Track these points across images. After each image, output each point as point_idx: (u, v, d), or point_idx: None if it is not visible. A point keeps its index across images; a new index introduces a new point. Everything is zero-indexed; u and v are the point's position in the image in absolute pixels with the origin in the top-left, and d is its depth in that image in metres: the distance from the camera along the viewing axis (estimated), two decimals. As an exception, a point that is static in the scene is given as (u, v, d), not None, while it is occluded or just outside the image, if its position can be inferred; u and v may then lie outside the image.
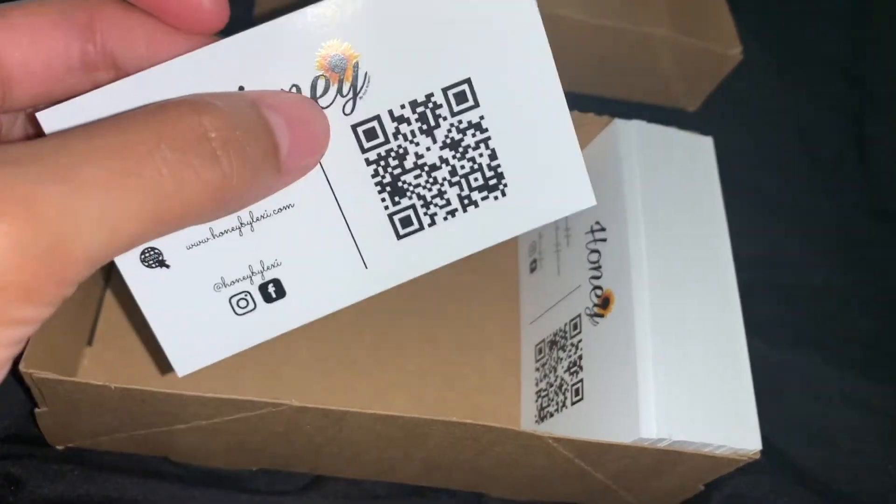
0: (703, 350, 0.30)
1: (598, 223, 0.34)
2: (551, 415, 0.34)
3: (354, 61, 0.20)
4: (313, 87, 0.20)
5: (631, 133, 0.34)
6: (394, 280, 0.22)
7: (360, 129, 0.21)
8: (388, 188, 0.21)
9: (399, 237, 0.22)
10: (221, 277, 0.21)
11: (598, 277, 0.33)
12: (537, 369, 0.36)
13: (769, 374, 0.41)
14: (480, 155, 0.21)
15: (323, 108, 0.21)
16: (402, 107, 0.21)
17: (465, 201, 0.22)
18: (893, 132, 0.52)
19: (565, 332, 0.35)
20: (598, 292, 0.33)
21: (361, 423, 0.28)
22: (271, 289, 0.21)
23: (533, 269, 0.39)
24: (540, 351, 0.37)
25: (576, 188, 0.22)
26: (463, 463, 0.31)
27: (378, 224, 0.21)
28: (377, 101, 0.20)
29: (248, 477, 0.33)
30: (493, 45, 0.21)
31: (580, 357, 0.33)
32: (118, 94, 0.19)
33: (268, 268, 0.21)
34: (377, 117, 0.21)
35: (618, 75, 0.49)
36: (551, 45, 0.50)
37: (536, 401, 0.36)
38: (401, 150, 0.21)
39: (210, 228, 0.21)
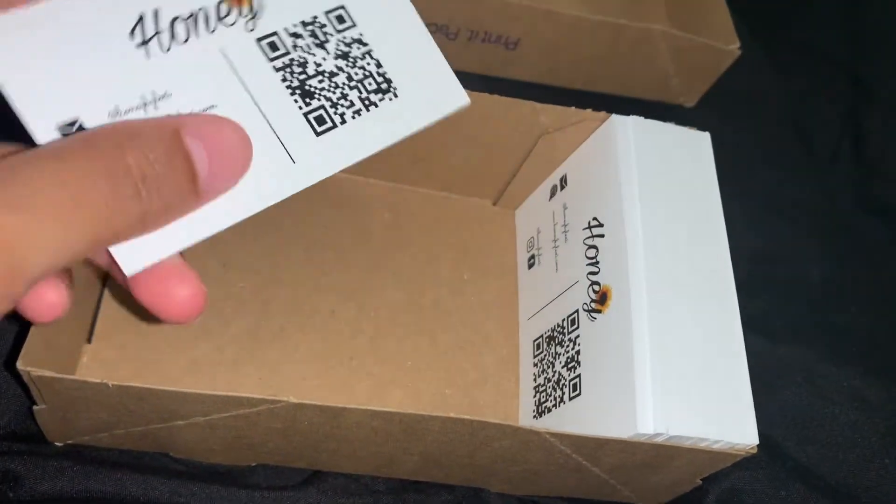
0: (701, 345, 0.30)
1: (595, 219, 0.34)
2: (549, 410, 0.34)
3: None
4: (217, 9, 0.23)
5: (628, 128, 0.34)
6: (321, 173, 0.24)
7: (263, 43, 0.24)
8: (298, 91, 0.24)
9: (317, 134, 0.24)
10: None
11: (595, 273, 0.33)
12: (535, 364, 0.37)
13: (767, 369, 0.41)
14: (368, 64, 0.25)
15: (228, 25, 0.23)
16: (295, 25, 0.24)
17: (366, 102, 0.25)
18: (890, 127, 0.52)
19: (563, 328, 0.35)
20: (596, 288, 0.33)
21: (359, 419, 0.28)
22: None
23: (531, 265, 0.39)
24: (538, 346, 0.37)
25: (449, 90, 0.26)
26: (461, 458, 0.31)
27: (297, 122, 0.24)
28: (273, 21, 0.24)
29: (248, 472, 0.33)
30: None
31: (578, 352, 0.33)
32: (42, 14, 0.21)
33: None
34: (275, 33, 0.24)
35: (616, 71, 0.49)
36: (551, 41, 0.50)
37: (534, 396, 0.36)
38: (301, 60, 0.24)
39: None
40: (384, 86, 0.25)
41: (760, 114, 0.52)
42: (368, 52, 0.25)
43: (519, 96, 0.36)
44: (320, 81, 0.24)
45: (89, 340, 0.34)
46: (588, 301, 0.33)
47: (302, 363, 0.36)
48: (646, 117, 0.35)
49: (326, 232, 0.39)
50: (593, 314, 0.32)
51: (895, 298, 0.46)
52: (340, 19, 0.25)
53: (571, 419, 0.32)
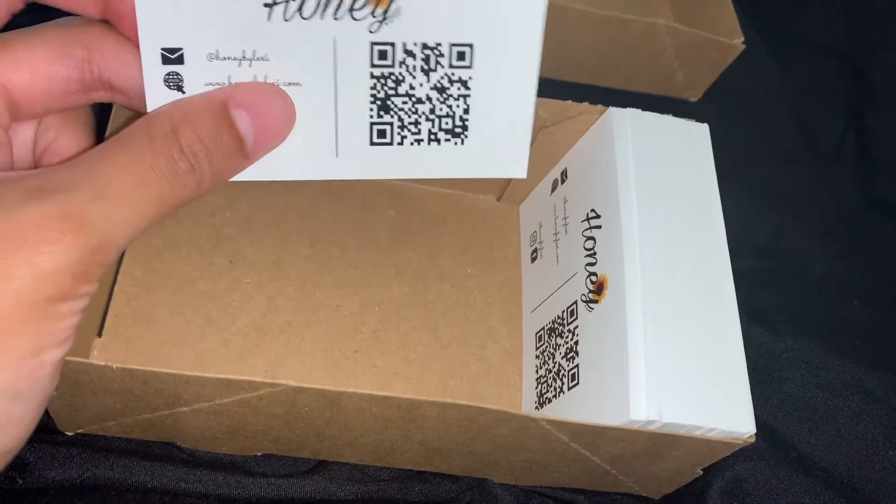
0: (696, 334, 0.30)
1: (593, 211, 0.34)
2: (550, 400, 0.35)
3: None
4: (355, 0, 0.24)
5: (625, 121, 0.34)
6: (355, 174, 0.26)
7: (376, 48, 0.24)
8: (378, 102, 0.25)
9: (371, 143, 0.25)
10: None
11: (593, 264, 0.33)
12: (537, 356, 0.37)
13: (770, 362, 0.41)
14: (458, 106, 0.26)
15: (355, 21, 0.24)
16: (415, 44, 0.24)
17: (432, 136, 0.26)
18: (894, 122, 0.52)
19: (563, 319, 0.35)
20: (593, 278, 0.33)
21: (358, 403, 0.28)
22: None
23: (534, 259, 0.40)
24: (540, 338, 0.37)
25: (513, 159, 0.27)
26: (461, 447, 0.32)
27: (360, 127, 0.25)
28: (397, 32, 0.24)
29: (253, 461, 0.34)
30: (501, 26, 0.25)
31: (576, 343, 0.33)
32: None
33: None
34: (392, 44, 0.24)
35: (620, 65, 0.49)
36: (554, 34, 0.51)
37: (536, 387, 0.36)
38: (400, 77, 0.25)
39: (229, 77, 0.24)
40: (458, 130, 0.26)
41: (764, 109, 0.52)
42: (465, 97, 0.25)
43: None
44: (404, 103, 0.25)
45: (100, 334, 0.35)
46: (586, 292, 0.33)
47: (307, 356, 0.37)
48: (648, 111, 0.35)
49: (331, 229, 0.40)
50: (591, 304, 0.33)
51: (897, 291, 0.46)
52: (461, 56, 0.25)
53: (570, 408, 0.33)
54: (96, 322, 0.35)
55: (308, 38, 0.24)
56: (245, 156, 0.24)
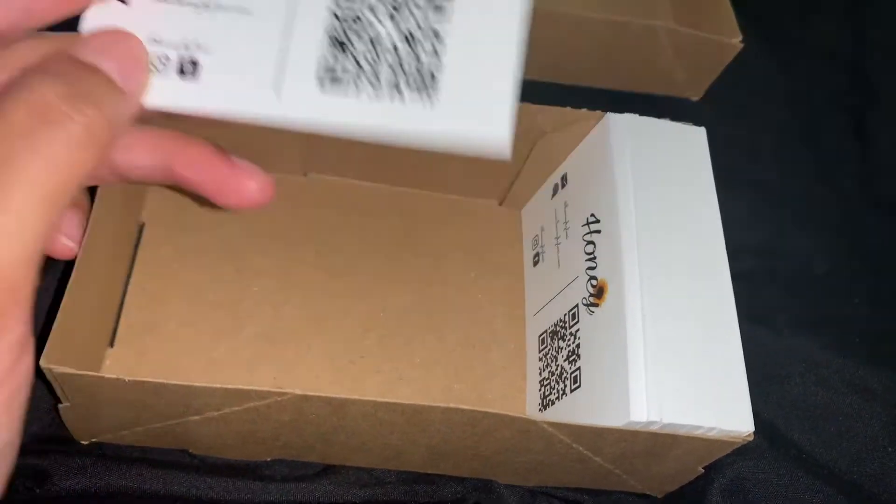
0: (695, 335, 0.31)
1: (593, 215, 0.35)
2: (553, 403, 0.35)
3: None
4: None
5: (623, 126, 0.35)
6: (299, 121, 0.22)
7: None
8: (335, 45, 0.22)
9: (322, 91, 0.22)
10: (160, 36, 0.22)
11: (593, 268, 0.34)
12: (540, 359, 0.38)
13: (772, 361, 0.42)
14: (429, 61, 0.22)
15: None
16: None
17: (396, 91, 0.22)
18: (894, 121, 0.52)
19: (565, 323, 0.36)
20: (594, 282, 0.34)
21: (363, 410, 0.29)
22: (188, 66, 0.22)
23: (536, 263, 0.40)
24: (543, 342, 0.38)
25: (494, 131, 0.22)
26: (466, 449, 0.32)
27: (309, 68, 0.22)
28: None
29: (263, 466, 0.35)
30: None
31: (578, 346, 0.34)
32: None
33: (197, 48, 0.22)
34: None
35: (620, 67, 0.49)
36: (555, 40, 0.51)
37: (540, 390, 0.37)
38: (364, 20, 0.22)
39: None
40: (427, 87, 0.22)
41: (766, 107, 0.53)
42: (438, 52, 0.22)
43: (526, 94, 0.36)
44: (365, 49, 0.22)
45: (112, 344, 0.36)
46: (587, 295, 0.34)
47: (314, 362, 0.37)
48: (651, 112, 0.36)
49: (336, 236, 0.41)
50: (591, 308, 0.33)
51: (896, 290, 0.46)
52: (438, 8, 0.22)
53: (572, 411, 0.33)
54: (108, 332, 0.36)
55: None
56: (121, 92, 0.21)
